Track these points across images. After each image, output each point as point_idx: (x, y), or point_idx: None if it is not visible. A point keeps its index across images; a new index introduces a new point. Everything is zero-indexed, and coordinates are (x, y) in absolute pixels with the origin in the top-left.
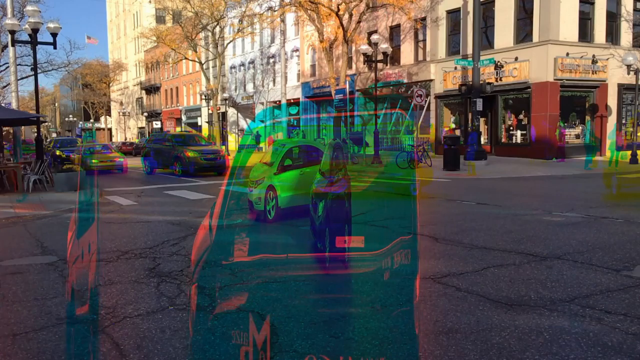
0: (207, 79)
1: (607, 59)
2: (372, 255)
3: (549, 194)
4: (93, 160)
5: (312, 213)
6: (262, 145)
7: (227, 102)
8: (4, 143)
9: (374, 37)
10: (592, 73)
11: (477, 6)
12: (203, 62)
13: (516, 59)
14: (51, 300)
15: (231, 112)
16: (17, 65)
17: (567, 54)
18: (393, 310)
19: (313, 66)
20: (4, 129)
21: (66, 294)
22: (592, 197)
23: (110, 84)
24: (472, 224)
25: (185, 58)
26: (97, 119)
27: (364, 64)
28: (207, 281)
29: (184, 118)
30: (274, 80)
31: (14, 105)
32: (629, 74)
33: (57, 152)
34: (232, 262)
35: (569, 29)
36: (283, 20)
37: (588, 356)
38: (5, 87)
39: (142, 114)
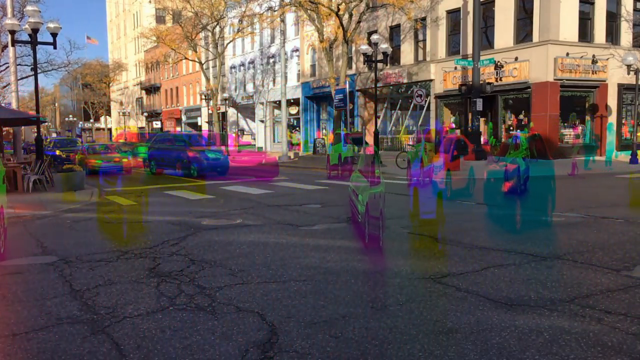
0: (207, 79)
1: (607, 59)
2: None
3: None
4: (97, 161)
5: None
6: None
7: (227, 102)
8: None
9: (374, 37)
10: (592, 73)
11: (477, 6)
12: (203, 62)
13: (516, 59)
14: (51, 300)
15: (231, 112)
16: (17, 65)
17: (567, 54)
18: (393, 310)
19: (313, 66)
20: (4, 129)
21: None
22: (592, 197)
23: (110, 84)
24: (472, 224)
25: (185, 58)
26: (97, 119)
27: (364, 64)
28: (207, 281)
29: (184, 118)
30: (274, 80)
31: (14, 105)
32: (629, 74)
33: (57, 152)
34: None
35: (569, 29)
36: (283, 20)
37: (588, 356)
38: (5, 87)
39: (142, 114)
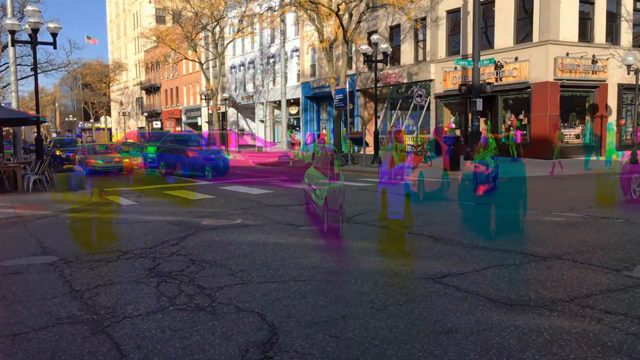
0: (207, 79)
1: (607, 59)
2: None
3: (549, 193)
4: (98, 161)
5: None
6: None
7: (227, 102)
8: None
9: (374, 37)
10: (592, 73)
11: (477, 6)
12: (203, 62)
13: (516, 59)
14: (51, 300)
15: (231, 112)
16: (17, 65)
17: (567, 54)
18: (393, 310)
19: (313, 66)
20: (4, 129)
21: None
22: (592, 197)
23: (110, 84)
24: (472, 224)
25: (185, 58)
26: (97, 119)
27: (364, 64)
28: (207, 281)
29: (184, 118)
30: (274, 80)
31: (14, 105)
32: (629, 74)
33: (57, 152)
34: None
35: (569, 29)
36: (283, 20)
37: (588, 356)
38: (5, 87)
39: (142, 114)
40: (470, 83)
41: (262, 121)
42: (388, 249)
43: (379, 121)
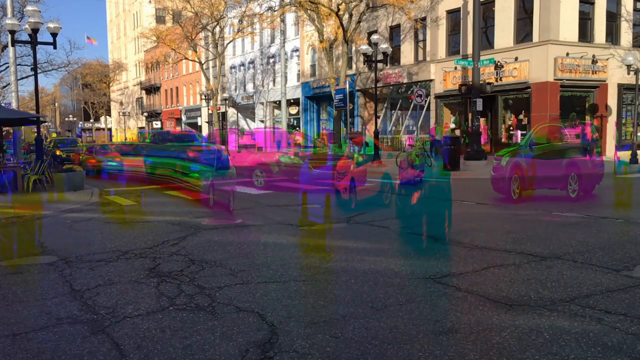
0: (207, 79)
1: (607, 59)
2: None
3: (549, 193)
4: (109, 163)
5: None
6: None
7: (227, 102)
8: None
9: (374, 37)
10: (592, 73)
11: (477, 6)
12: (203, 62)
13: (516, 59)
14: (51, 300)
15: (231, 112)
16: (17, 65)
17: (567, 54)
18: (393, 310)
19: (313, 66)
20: (4, 129)
21: None
22: (592, 197)
23: (110, 84)
24: (472, 224)
25: (185, 58)
26: (97, 119)
27: (364, 64)
28: (207, 281)
29: (184, 118)
30: (274, 80)
31: (14, 105)
32: (629, 74)
33: (58, 152)
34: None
35: (569, 29)
36: (283, 20)
37: (588, 356)
38: (5, 87)
39: (142, 114)
40: (470, 83)
41: (262, 121)
42: (387, 249)
43: (379, 121)
